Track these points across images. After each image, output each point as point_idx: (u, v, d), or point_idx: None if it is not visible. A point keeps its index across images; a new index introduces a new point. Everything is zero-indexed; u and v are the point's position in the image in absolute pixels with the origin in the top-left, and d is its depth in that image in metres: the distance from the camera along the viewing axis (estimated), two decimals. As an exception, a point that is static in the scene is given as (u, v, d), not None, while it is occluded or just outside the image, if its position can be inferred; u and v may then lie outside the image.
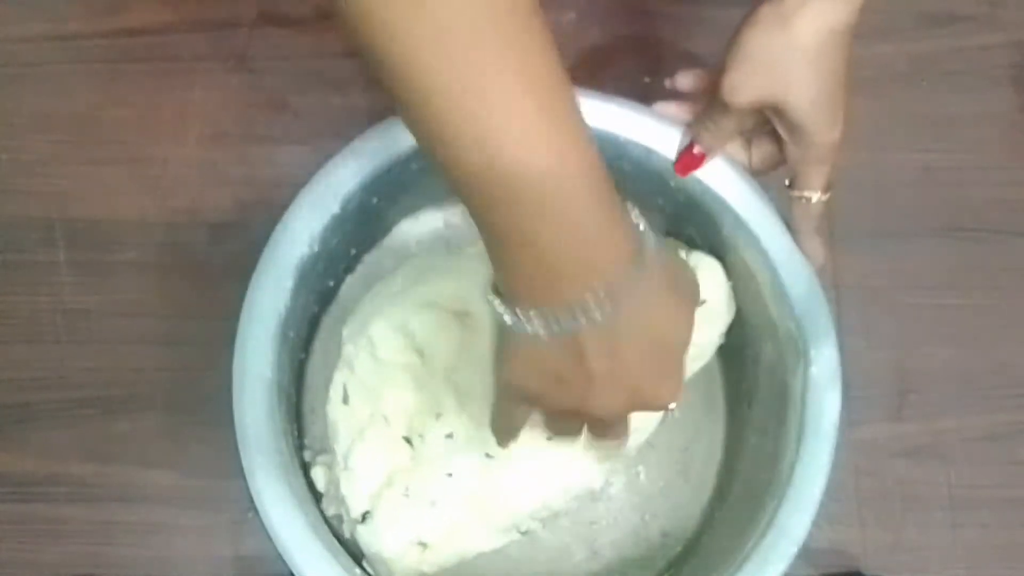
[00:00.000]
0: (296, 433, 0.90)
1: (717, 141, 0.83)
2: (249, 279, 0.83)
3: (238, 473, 0.91)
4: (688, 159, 0.84)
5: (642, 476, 0.94)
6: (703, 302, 0.85)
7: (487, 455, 0.82)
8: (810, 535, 0.92)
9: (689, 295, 0.69)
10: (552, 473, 0.83)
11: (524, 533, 0.87)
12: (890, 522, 0.94)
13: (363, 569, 0.84)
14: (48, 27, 0.98)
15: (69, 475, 0.92)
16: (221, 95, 0.98)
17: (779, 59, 0.74)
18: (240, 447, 0.81)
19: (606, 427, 0.72)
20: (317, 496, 0.87)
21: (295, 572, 0.77)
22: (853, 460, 0.94)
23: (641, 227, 0.64)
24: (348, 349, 0.86)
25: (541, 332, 0.63)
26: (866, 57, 1.01)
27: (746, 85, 0.76)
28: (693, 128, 0.83)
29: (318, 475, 0.88)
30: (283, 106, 0.97)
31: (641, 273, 0.63)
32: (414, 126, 0.58)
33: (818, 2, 0.73)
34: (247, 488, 0.91)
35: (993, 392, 0.97)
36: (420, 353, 0.84)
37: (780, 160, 0.82)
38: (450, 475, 0.83)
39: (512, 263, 0.62)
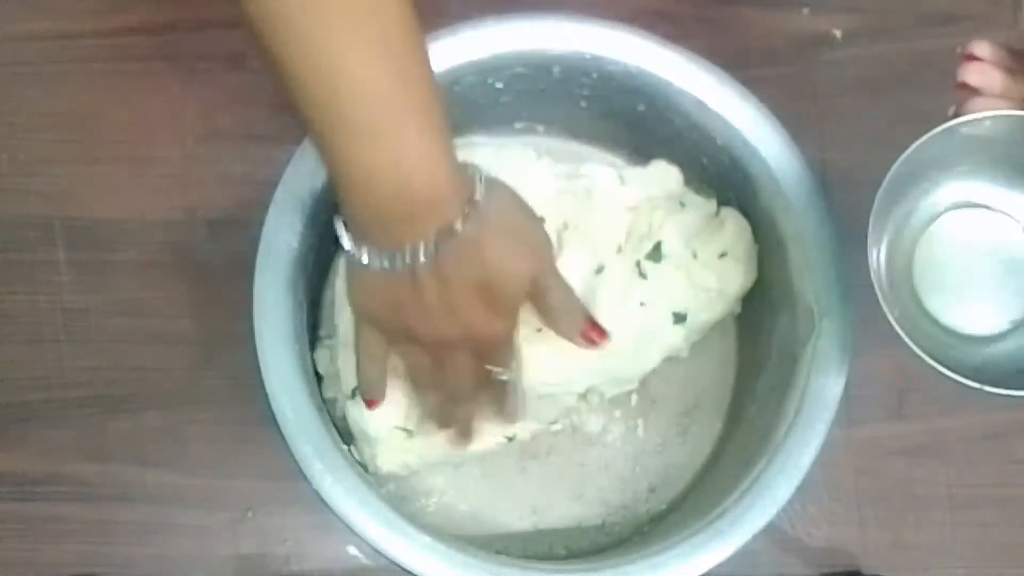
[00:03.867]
0: (312, 319, 0.92)
1: None
2: (249, 278, 0.83)
3: (237, 473, 0.92)
4: None
5: (640, 430, 0.96)
6: (724, 254, 0.86)
7: None
8: (809, 534, 0.93)
9: (529, 244, 0.77)
10: (535, 365, 0.84)
11: (510, 439, 0.89)
12: (889, 521, 0.95)
13: (351, 455, 0.87)
14: (47, 26, 0.98)
15: (69, 474, 0.92)
16: (220, 94, 0.97)
17: None
18: (255, 310, 0.83)
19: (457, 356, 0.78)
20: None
21: (279, 415, 0.82)
22: (852, 459, 0.95)
23: (476, 175, 0.73)
24: None
25: (376, 266, 0.72)
26: (866, 57, 1.01)
27: None
28: None
29: (320, 357, 0.90)
30: (282, 105, 0.95)
31: (473, 218, 0.71)
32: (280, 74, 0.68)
33: None
34: (245, 487, 0.92)
35: (992, 391, 0.97)
36: None
37: None
38: None
39: (352, 201, 0.71)
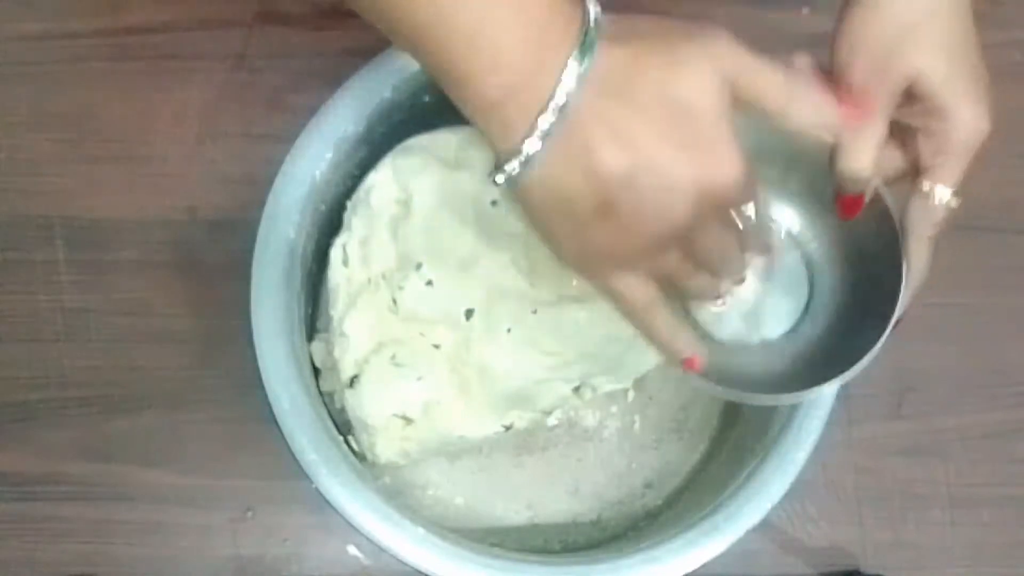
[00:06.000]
0: (311, 310, 0.92)
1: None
2: (248, 278, 0.83)
3: (237, 473, 0.92)
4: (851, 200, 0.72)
5: (637, 426, 0.97)
6: None
7: (466, 313, 0.84)
8: (809, 534, 0.92)
9: (701, 43, 0.61)
10: (529, 356, 0.84)
11: (507, 428, 0.88)
12: (889, 520, 0.94)
13: (349, 446, 0.87)
14: (47, 25, 0.98)
15: (68, 474, 0.92)
16: (220, 93, 0.98)
17: (902, 26, 0.66)
18: (252, 300, 0.83)
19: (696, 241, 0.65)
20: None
21: (273, 398, 0.82)
22: (852, 458, 0.95)
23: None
24: (347, 213, 0.88)
25: (545, 159, 0.59)
26: (866, 56, 1.01)
27: (875, 69, 0.67)
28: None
29: (316, 349, 0.90)
30: (282, 105, 0.97)
31: (604, 33, 0.59)
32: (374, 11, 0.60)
33: None
34: (245, 487, 0.92)
35: (992, 390, 0.97)
36: (405, 204, 0.85)
37: (906, 165, 0.72)
38: (437, 346, 0.85)
39: (469, 92, 0.60)
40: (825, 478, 0.93)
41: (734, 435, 0.93)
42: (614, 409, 0.96)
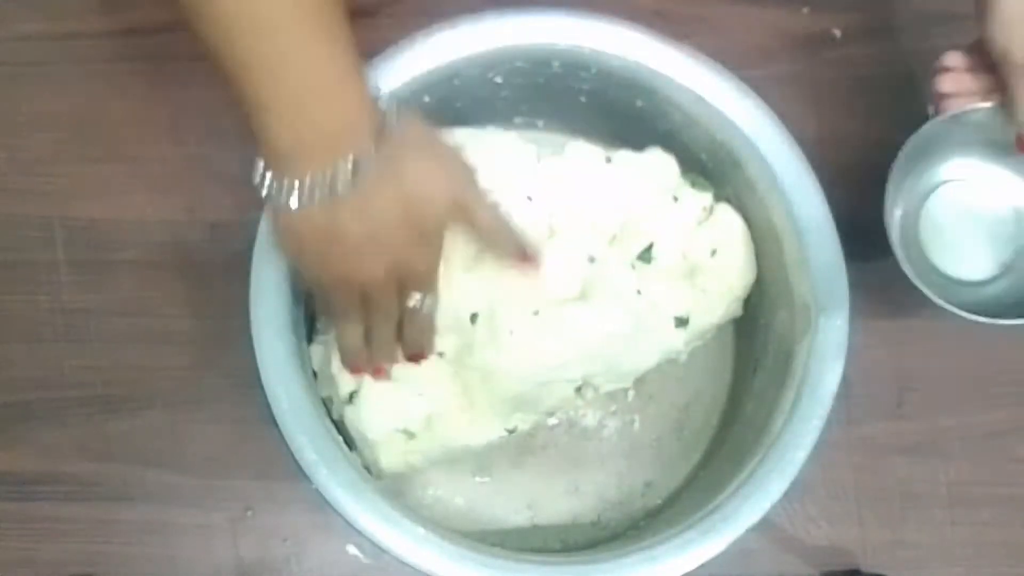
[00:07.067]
0: (311, 312, 0.92)
1: None
2: (248, 278, 0.83)
3: (237, 472, 0.92)
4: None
5: (636, 425, 0.97)
6: (715, 252, 0.87)
7: (471, 317, 0.84)
8: (809, 533, 0.93)
9: (445, 165, 0.77)
10: (532, 357, 0.84)
11: (511, 432, 0.88)
12: (889, 520, 0.95)
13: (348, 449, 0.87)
14: (47, 26, 0.98)
15: (68, 474, 0.92)
16: (220, 94, 0.96)
17: None
18: (251, 300, 0.84)
19: (390, 292, 0.79)
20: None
21: (270, 394, 0.82)
22: (852, 458, 0.95)
23: (383, 101, 0.75)
24: None
25: (299, 203, 0.72)
26: (866, 56, 1.01)
27: None
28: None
29: (315, 352, 0.90)
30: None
31: (386, 143, 0.73)
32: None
33: None
34: (245, 487, 0.92)
35: (992, 390, 0.97)
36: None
37: None
38: (441, 354, 0.85)
39: (263, 128, 0.71)
40: (825, 477, 0.94)
41: (734, 434, 0.93)
42: (614, 409, 0.96)
